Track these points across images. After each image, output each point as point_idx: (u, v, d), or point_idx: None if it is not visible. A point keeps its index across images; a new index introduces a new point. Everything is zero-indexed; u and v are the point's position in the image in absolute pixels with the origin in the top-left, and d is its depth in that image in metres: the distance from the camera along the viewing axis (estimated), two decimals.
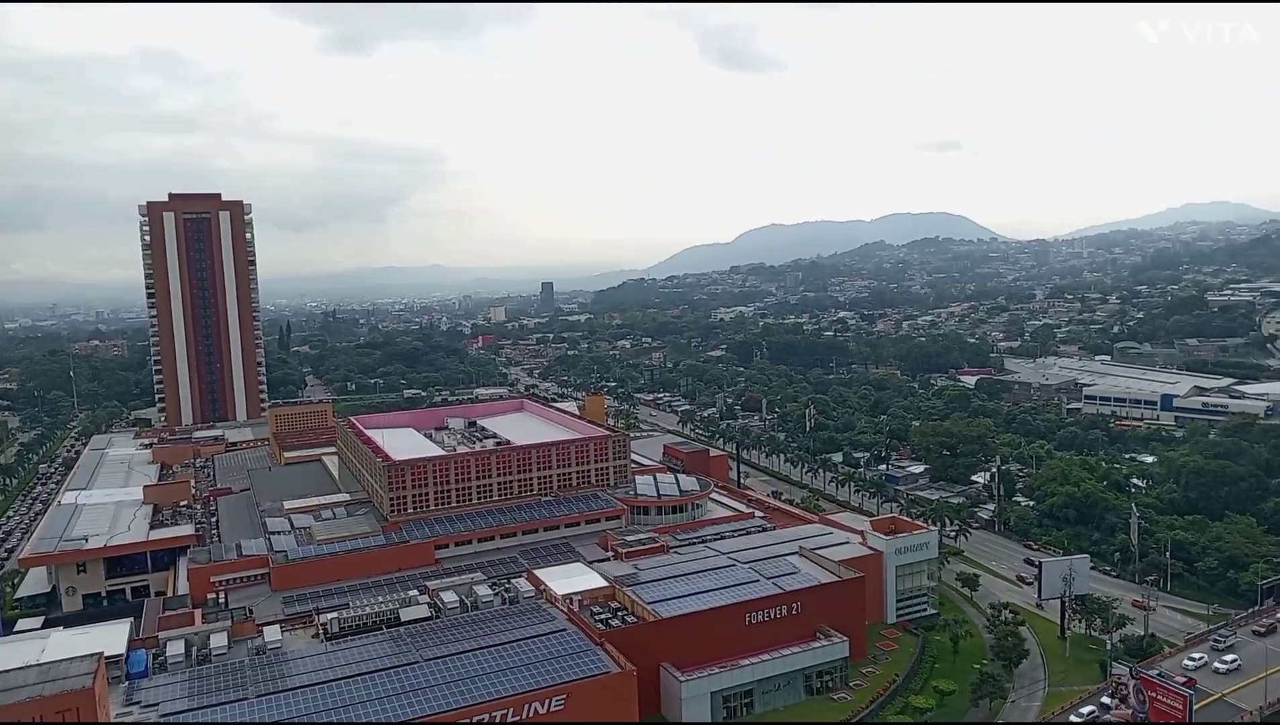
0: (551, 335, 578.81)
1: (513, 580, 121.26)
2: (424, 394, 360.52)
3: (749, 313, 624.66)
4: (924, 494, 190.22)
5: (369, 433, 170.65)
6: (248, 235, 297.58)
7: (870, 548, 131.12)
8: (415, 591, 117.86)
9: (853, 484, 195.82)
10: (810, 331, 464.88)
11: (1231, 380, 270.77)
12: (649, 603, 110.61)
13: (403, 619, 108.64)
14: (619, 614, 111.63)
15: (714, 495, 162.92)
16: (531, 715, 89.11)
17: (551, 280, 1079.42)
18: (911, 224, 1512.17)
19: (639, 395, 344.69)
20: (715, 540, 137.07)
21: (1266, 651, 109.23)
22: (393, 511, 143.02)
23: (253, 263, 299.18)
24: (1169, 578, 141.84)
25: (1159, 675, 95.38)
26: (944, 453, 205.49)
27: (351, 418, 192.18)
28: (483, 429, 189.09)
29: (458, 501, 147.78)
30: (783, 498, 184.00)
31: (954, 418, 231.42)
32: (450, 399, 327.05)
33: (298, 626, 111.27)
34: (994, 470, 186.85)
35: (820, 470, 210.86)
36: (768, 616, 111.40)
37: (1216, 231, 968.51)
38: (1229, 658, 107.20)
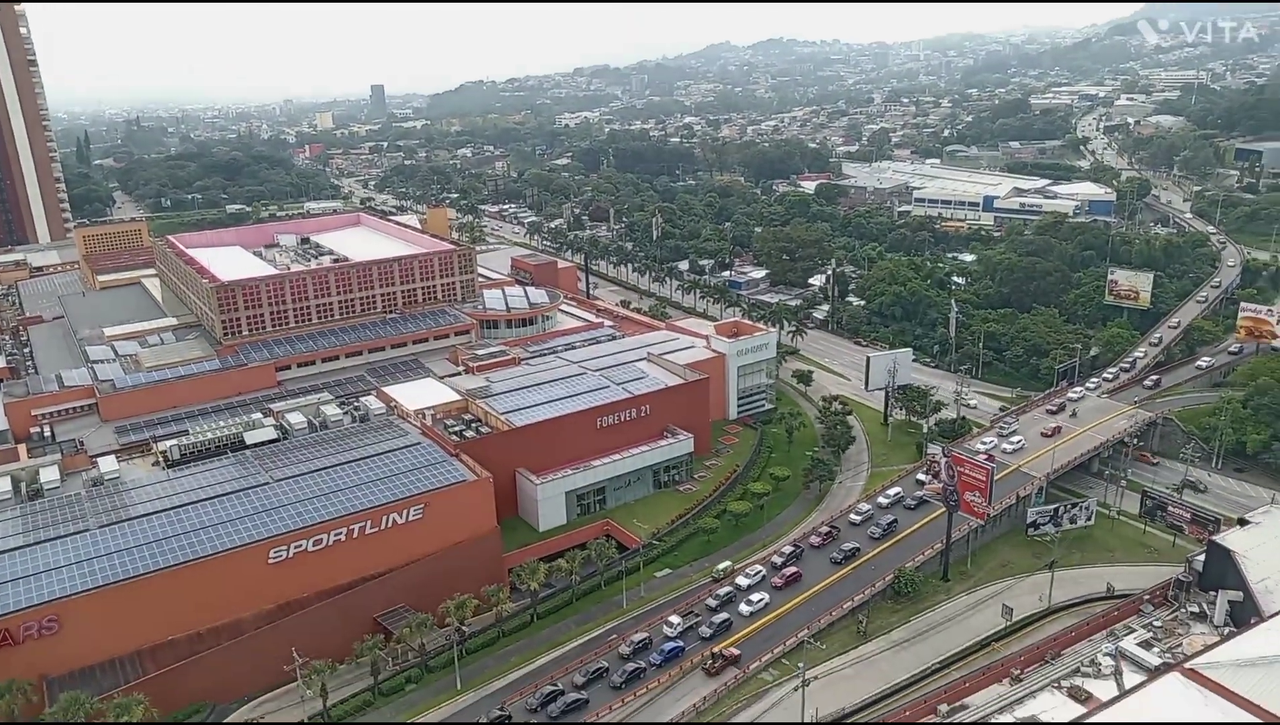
0: (385, 143, 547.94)
1: (362, 398, 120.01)
2: (249, 210, 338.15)
3: (594, 118, 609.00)
4: (765, 298, 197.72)
5: (192, 253, 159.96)
6: (23, 29, 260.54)
7: (714, 351, 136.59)
8: (259, 414, 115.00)
9: (698, 291, 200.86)
10: (657, 138, 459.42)
11: (1047, 181, 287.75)
12: (502, 413, 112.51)
13: (248, 442, 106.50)
14: (473, 425, 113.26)
15: (563, 306, 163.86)
16: (390, 525, 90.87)
17: (382, 83, 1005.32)
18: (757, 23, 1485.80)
19: (483, 207, 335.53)
20: (566, 350, 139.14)
21: (1056, 426, 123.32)
22: (226, 335, 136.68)
23: (34, 63, 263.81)
24: (981, 366, 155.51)
25: (966, 452, 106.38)
26: (784, 257, 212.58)
27: (170, 237, 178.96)
28: (318, 246, 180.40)
29: (296, 322, 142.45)
30: (631, 306, 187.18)
31: (794, 223, 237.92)
32: (279, 214, 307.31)
33: (135, 456, 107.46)
34: (829, 273, 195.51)
35: (667, 278, 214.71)
36: (618, 419, 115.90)
37: (1044, 35, 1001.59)
38: (1015, 439, 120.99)
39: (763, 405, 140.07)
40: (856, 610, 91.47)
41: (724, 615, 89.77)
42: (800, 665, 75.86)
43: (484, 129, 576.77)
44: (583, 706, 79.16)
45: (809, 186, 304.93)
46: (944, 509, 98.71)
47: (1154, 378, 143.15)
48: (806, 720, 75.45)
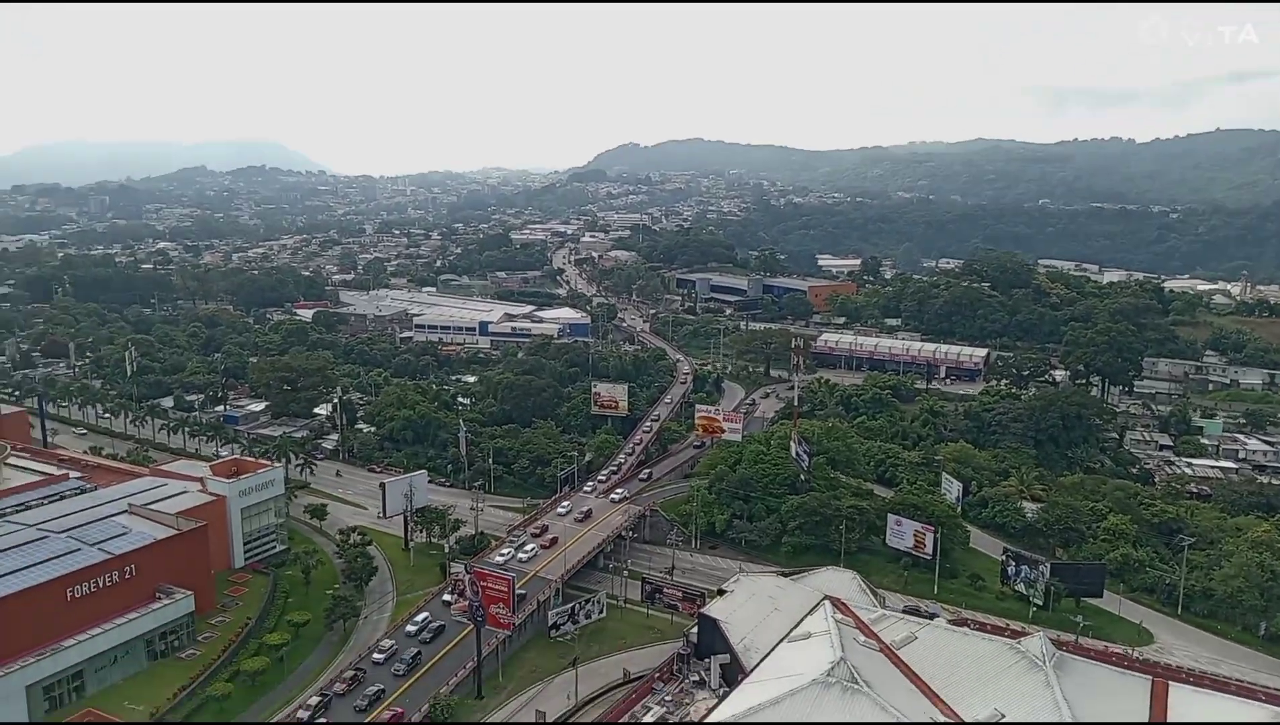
0: None
1: None
2: None
3: (44, 242, 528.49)
4: (267, 432, 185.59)
5: None
6: None
7: (212, 493, 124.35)
8: None
9: (188, 429, 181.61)
10: (126, 264, 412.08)
11: (533, 307, 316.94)
12: None
13: None
14: None
15: (12, 460, 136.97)
16: None
17: None
18: (234, 152, 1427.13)
19: None
20: (18, 512, 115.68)
21: (565, 529, 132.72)
22: None
23: None
24: (493, 481, 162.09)
25: (488, 566, 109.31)
26: (285, 387, 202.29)
27: None
28: None
29: None
30: (105, 453, 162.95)
31: (293, 352, 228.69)
32: None
33: None
34: (336, 401, 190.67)
35: (149, 418, 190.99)
36: (95, 586, 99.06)
37: (516, 179, 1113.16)
38: (529, 547, 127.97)
39: (274, 547, 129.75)
40: None
41: None
42: None
43: None
44: None
45: (306, 314, 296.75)
46: (472, 626, 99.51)
47: (646, 472, 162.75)
48: None
